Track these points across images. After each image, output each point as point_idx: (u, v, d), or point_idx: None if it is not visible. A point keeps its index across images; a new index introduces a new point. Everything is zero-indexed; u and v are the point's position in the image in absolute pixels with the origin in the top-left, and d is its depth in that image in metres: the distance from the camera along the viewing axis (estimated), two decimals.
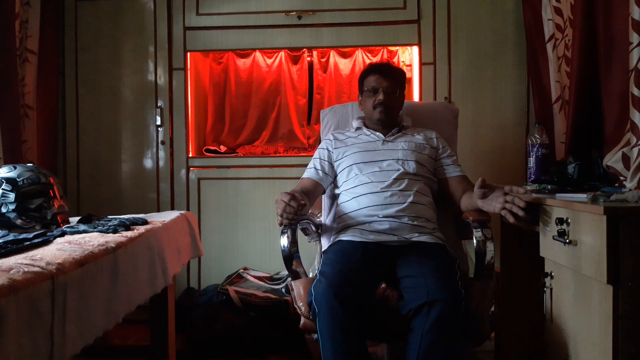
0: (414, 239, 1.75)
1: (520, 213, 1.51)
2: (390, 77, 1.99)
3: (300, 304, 1.63)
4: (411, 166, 1.90)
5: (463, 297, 1.49)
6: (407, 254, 1.69)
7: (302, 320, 1.62)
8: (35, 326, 0.98)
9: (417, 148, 1.96)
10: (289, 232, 1.74)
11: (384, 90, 1.96)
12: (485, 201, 1.64)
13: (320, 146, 2.07)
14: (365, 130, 2.04)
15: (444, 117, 2.25)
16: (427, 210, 1.87)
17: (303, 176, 2.00)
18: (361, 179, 1.88)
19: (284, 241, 1.74)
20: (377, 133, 2.01)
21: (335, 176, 1.99)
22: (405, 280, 1.59)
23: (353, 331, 1.46)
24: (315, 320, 1.50)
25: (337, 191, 1.97)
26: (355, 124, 2.09)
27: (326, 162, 1.99)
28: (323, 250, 1.81)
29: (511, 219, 1.54)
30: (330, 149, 2.02)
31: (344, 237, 1.77)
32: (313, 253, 2.18)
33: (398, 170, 1.88)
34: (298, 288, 1.68)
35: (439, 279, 1.51)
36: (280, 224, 1.71)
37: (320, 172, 1.97)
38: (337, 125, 2.24)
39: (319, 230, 2.02)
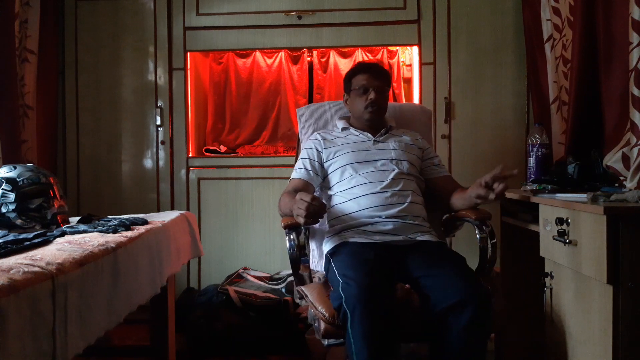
0: (417, 238, 1.76)
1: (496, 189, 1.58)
2: (381, 76, 1.98)
3: (322, 309, 1.53)
4: (405, 166, 1.91)
5: (490, 294, 1.51)
6: (414, 253, 1.69)
7: (323, 325, 1.53)
8: (37, 326, 0.98)
9: (407, 148, 1.97)
10: (293, 234, 1.73)
11: (375, 90, 1.95)
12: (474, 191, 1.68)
13: (307, 146, 2.02)
14: (352, 130, 2.02)
15: (419, 118, 2.26)
16: (422, 209, 1.89)
17: (292, 177, 1.96)
18: (358, 179, 1.87)
19: (290, 244, 1.72)
20: (366, 133, 2.00)
21: (325, 177, 1.97)
22: (427, 279, 1.57)
23: (387, 332, 1.44)
24: (346, 324, 1.44)
25: (330, 192, 1.94)
26: (341, 124, 2.06)
27: (316, 162, 1.96)
28: (327, 252, 1.79)
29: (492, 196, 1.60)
30: (319, 149, 1.98)
31: (350, 239, 1.76)
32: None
33: (393, 170, 1.88)
34: (313, 293, 1.62)
35: (466, 279, 1.53)
36: (288, 226, 1.69)
37: (310, 172, 1.94)
38: (316, 125, 2.20)
39: (307, 233, 2.00)
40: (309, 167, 1.95)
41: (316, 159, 1.97)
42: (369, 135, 1.99)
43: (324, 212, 1.59)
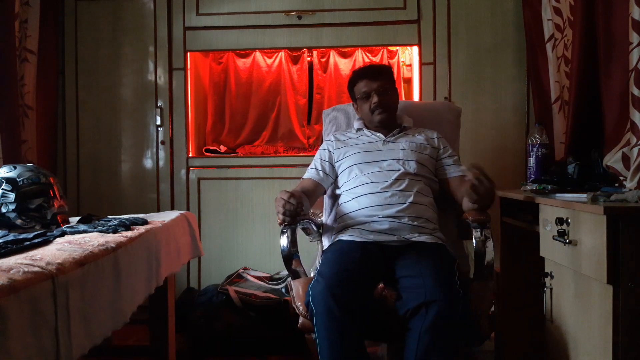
0: (413, 239, 1.75)
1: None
2: (379, 77, 1.99)
3: (299, 303, 1.63)
4: (412, 166, 1.90)
5: (461, 297, 1.49)
6: (406, 254, 1.69)
7: (301, 319, 1.62)
8: (38, 326, 0.98)
9: (418, 148, 1.96)
10: (288, 231, 1.74)
11: (376, 92, 1.97)
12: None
13: (321, 147, 2.08)
14: (366, 131, 2.05)
15: (446, 117, 2.25)
16: (428, 210, 1.86)
17: (304, 176, 2.01)
18: (362, 179, 1.88)
19: (284, 241, 1.74)
20: (378, 134, 2.02)
21: (336, 177, 2.00)
22: (404, 280, 1.59)
23: (350, 331, 1.45)
24: (313, 320, 1.50)
25: (338, 191, 1.98)
26: (356, 125, 2.10)
27: (327, 163, 2.00)
28: (323, 250, 1.80)
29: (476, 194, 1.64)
30: (331, 149, 2.03)
31: (344, 237, 1.77)
32: (314, 253, 2.18)
33: (398, 170, 1.88)
34: (297, 288, 1.68)
35: (437, 279, 1.51)
36: (281, 223, 1.71)
37: (320, 172, 1.98)
38: (339, 125, 2.25)
39: (320, 230, 2.02)
40: (319, 168, 2.00)
41: (327, 160, 2.01)
42: (381, 135, 2.01)
43: (300, 211, 1.65)
